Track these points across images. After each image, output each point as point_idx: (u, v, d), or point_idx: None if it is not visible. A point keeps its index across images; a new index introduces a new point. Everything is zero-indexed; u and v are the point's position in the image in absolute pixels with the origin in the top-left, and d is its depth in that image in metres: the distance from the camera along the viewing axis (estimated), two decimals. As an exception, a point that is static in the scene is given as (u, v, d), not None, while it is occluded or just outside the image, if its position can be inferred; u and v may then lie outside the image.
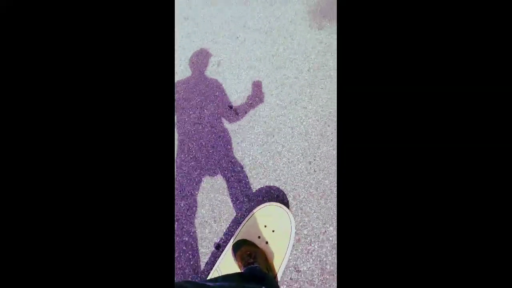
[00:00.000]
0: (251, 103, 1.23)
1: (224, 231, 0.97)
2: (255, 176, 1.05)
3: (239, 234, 0.89)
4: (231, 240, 0.89)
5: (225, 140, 1.16)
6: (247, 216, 0.93)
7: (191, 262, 0.93)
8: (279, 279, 0.81)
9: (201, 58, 1.43)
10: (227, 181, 1.06)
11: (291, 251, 0.87)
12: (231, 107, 1.24)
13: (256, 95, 1.25)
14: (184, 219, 1.01)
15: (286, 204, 0.97)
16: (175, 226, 1.00)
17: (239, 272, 0.67)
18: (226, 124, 1.20)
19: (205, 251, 0.94)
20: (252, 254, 0.77)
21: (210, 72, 1.37)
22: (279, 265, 0.82)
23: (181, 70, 1.41)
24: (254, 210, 0.93)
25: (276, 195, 1.00)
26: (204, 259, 0.93)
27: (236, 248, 0.82)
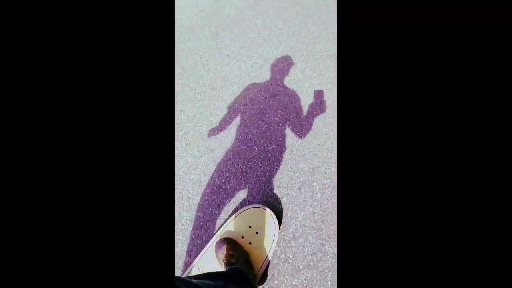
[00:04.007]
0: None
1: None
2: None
3: (223, 232, 0.90)
4: (214, 237, 0.90)
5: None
6: (233, 214, 0.94)
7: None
8: (257, 280, 0.83)
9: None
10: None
11: (272, 254, 0.89)
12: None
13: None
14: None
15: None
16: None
17: (222, 271, 0.68)
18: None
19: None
20: (234, 254, 0.79)
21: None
22: (259, 266, 0.84)
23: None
24: (240, 210, 0.94)
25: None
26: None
27: (219, 246, 0.83)
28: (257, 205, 0.94)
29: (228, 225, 0.92)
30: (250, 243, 0.88)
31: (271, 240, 0.89)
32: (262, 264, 0.85)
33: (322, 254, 0.88)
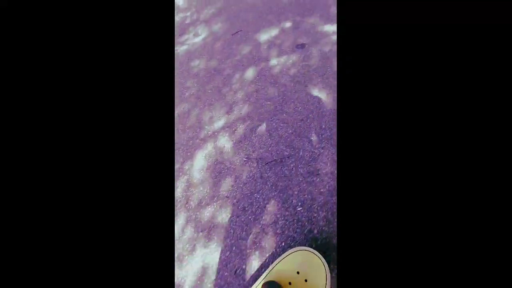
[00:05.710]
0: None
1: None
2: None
3: (269, 275, 0.85)
4: (259, 280, 0.85)
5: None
6: (280, 256, 0.88)
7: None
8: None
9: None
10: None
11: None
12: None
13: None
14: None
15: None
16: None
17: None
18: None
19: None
20: (281, 301, 0.72)
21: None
22: (308, 321, 0.75)
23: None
24: (288, 252, 0.88)
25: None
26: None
27: (265, 289, 0.77)
28: (306, 248, 0.87)
29: (275, 267, 0.86)
30: (297, 292, 0.80)
31: (321, 291, 0.79)
32: (311, 319, 0.75)
33: None
